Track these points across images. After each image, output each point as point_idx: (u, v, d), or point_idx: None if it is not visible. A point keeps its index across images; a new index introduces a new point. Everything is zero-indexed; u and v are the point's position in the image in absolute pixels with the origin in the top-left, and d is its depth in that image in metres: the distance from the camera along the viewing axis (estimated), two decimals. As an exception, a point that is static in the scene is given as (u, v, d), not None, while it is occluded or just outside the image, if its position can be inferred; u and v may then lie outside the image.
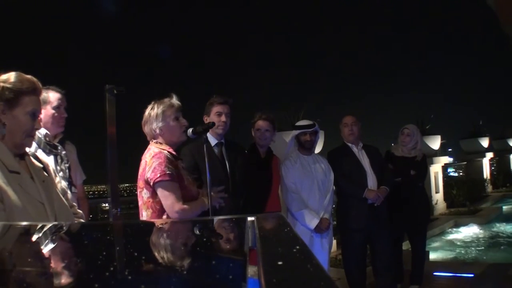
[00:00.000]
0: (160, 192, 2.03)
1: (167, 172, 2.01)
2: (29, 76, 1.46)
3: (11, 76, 1.42)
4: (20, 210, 1.33)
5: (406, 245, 4.09)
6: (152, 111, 2.18)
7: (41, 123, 1.65)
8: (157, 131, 2.17)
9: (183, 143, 2.38)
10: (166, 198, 2.02)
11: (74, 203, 1.80)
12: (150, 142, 2.21)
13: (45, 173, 1.56)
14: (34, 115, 1.46)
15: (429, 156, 7.51)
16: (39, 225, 1.06)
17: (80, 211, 1.79)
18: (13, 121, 1.41)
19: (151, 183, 2.04)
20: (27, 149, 1.55)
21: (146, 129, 2.21)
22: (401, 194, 3.54)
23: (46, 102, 2.32)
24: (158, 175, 2.01)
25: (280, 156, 3.47)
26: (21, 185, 1.39)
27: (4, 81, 1.40)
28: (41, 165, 1.56)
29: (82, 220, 1.73)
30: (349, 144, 3.48)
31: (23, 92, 1.42)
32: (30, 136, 1.48)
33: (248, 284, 0.54)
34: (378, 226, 3.31)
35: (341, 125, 3.53)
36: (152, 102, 2.21)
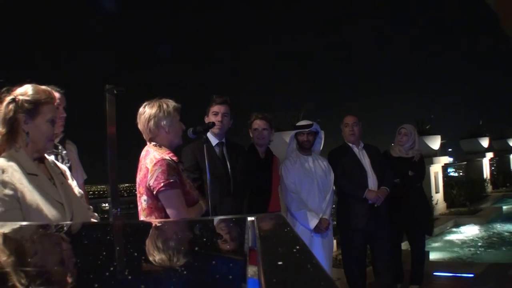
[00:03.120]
0: (165, 201, 2.01)
1: (171, 180, 1.98)
2: (44, 87, 1.58)
3: (27, 89, 1.54)
4: (36, 209, 1.42)
5: (406, 245, 4.10)
6: (161, 108, 2.11)
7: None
8: (166, 128, 2.11)
9: (181, 145, 2.35)
10: (171, 206, 2.00)
11: (90, 206, 1.89)
12: (148, 143, 2.16)
13: (63, 178, 1.68)
14: (53, 121, 1.58)
15: (429, 156, 7.51)
16: (40, 225, 1.06)
17: (96, 214, 1.87)
18: (36, 129, 1.53)
19: (154, 192, 2.00)
20: (48, 157, 1.68)
21: (150, 125, 2.11)
22: (399, 195, 3.53)
23: None
24: (162, 184, 1.97)
25: (280, 156, 3.47)
26: (39, 185, 1.48)
27: (23, 94, 1.52)
28: (59, 170, 1.69)
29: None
30: (350, 144, 3.48)
31: (42, 102, 1.54)
32: (51, 141, 1.62)
33: (248, 284, 0.54)
34: (378, 226, 3.31)
35: (342, 125, 3.53)
36: (157, 100, 2.14)
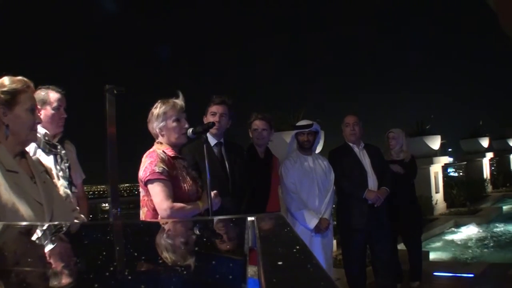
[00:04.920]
0: (150, 190, 2.08)
1: (157, 170, 2.04)
2: (19, 77, 1.55)
3: (3, 80, 1.51)
4: (11, 209, 1.37)
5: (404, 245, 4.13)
6: (155, 110, 2.20)
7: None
8: (157, 130, 2.20)
9: (184, 144, 2.38)
10: (155, 196, 2.06)
11: (77, 207, 1.86)
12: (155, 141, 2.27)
13: (47, 176, 1.62)
14: (33, 110, 1.54)
15: (429, 156, 7.50)
16: (40, 225, 1.06)
17: (82, 216, 1.83)
18: (15, 120, 1.49)
19: (143, 182, 2.09)
20: (32, 153, 1.64)
21: (149, 128, 2.25)
22: (391, 197, 3.56)
23: (45, 102, 2.32)
24: (148, 173, 2.05)
25: (279, 156, 3.46)
26: (18, 184, 1.43)
27: None
28: (43, 168, 1.63)
29: None
30: (350, 144, 3.48)
31: (19, 91, 1.51)
32: (33, 130, 1.57)
33: (248, 284, 0.54)
34: (378, 226, 3.31)
35: (342, 124, 3.54)
36: (158, 101, 2.23)
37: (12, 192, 1.39)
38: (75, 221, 1.74)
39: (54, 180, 1.67)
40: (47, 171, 1.65)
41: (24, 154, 1.57)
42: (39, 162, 1.66)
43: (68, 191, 1.78)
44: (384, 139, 3.94)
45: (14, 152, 1.50)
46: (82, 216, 1.85)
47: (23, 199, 1.41)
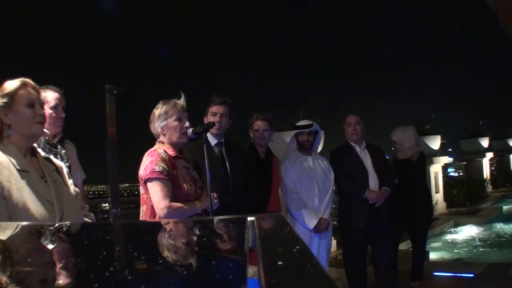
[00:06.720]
0: (149, 189, 2.10)
1: (157, 170, 2.06)
2: (15, 79, 1.58)
3: (3, 85, 1.55)
4: (22, 208, 1.39)
5: (406, 245, 4.12)
6: (157, 110, 2.23)
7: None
8: (159, 130, 2.23)
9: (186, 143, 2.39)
10: (154, 195, 2.08)
11: (86, 205, 1.89)
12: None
13: (58, 175, 1.64)
14: (31, 105, 1.56)
15: (429, 156, 7.51)
16: (40, 225, 1.06)
17: (92, 214, 1.86)
18: (15, 117, 1.52)
19: (143, 181, 2.12)
20: (42, 153, 1.65)
21: (151, 128, 2.27)
22: (404, 194, 3.57)
23: (43, 101, 2.31)
24: (148, 172, 2.08)
25: (280, 156, 3.47)
26: (29, 183, 1.44)
27: None
28: (54, 167, 1.65)
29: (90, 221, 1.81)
30: (352, 144, 3.48)
31: (15, 91, 1.54)
32: (37, 123, 1.57)
33: (248, 284, 0.54)
34: (378, 226, 3.32)
35: (344, 124, 3.54)
36: (160, 102, 2.26)
37: (23, 192, 1.41)
38: (85, 219, 1.76)
39: (65, 179, 1.68)
40: (57, 170, 1.66)
41: (35, 153, 1.60)
42: (50, 160, 1.67)
43: (77, 189, 1.80)
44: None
45: (23, 150, 1.52)
46: (92, 214, 1.89)
47: (33, 199, 1.43)
